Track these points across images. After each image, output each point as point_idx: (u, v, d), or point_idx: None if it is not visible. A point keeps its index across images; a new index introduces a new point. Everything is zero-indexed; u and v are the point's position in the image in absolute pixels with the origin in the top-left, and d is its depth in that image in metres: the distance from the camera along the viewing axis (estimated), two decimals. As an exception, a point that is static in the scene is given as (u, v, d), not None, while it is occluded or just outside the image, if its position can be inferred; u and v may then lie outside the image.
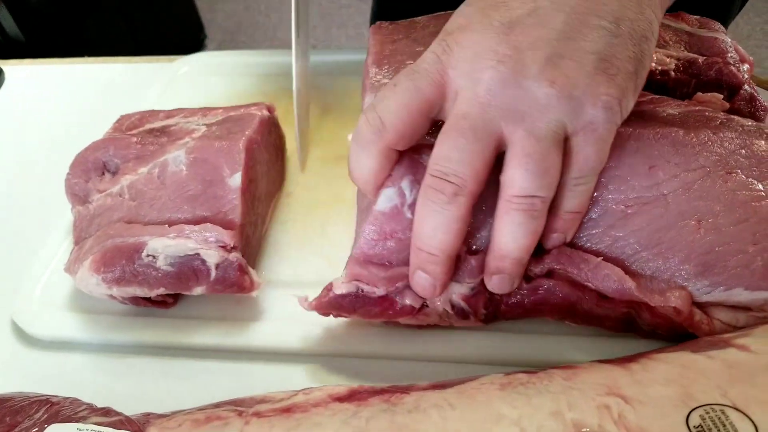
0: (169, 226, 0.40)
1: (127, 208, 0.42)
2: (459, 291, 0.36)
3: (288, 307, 0.41)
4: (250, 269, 0.41)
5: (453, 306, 0.36)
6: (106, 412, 0.33)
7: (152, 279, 0.39)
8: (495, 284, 0.34)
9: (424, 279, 0.34)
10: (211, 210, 0.41)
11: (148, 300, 0.42)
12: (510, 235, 0.32)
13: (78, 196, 0.45)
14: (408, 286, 0.35)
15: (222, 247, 0.39)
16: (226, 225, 0.40)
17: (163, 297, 0.42)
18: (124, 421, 0.32)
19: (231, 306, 0.43)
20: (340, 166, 0.52)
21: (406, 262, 0.35)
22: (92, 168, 0.45)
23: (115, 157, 0.45)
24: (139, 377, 0.40)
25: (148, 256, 0.39)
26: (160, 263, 0.39)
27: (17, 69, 0.73)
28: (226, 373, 0.40)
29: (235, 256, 0.39)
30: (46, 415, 0.32)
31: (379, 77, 0.50)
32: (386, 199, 0.35)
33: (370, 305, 0.36)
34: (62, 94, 0.68)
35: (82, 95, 0.67)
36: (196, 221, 0.40)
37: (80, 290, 0.44)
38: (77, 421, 0.31)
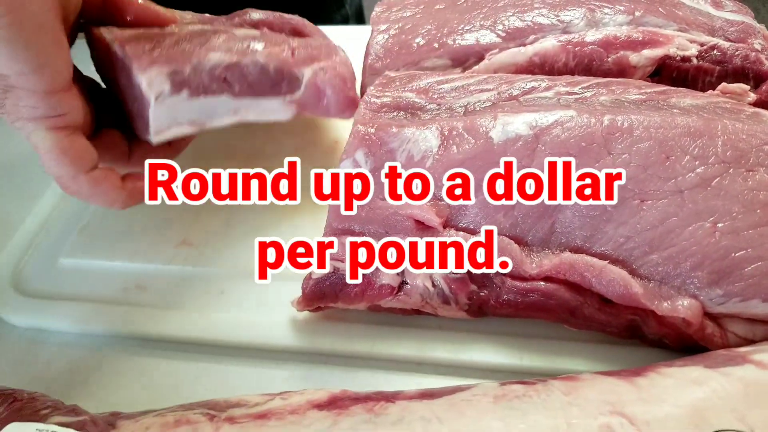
0: None
1: None
2: (440, 270, 0.35)
3: (274, 301, 0.39)
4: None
5: (434, 284, 0.35)
6: (71, 410, 0.31)
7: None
8: None
9: None
10: None
11: None
12: None
13: None
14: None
15: None
16: None
17: None
18: (88, 421, 0.29)
19: (213, 297, 0.41)
20: (334, 151, 0.49)
21: (375, 234, 0.36)
22: None
23: None
24: (115, 370, 0.38)
25: None
26: None
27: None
28: (205, 370, 0.38)
29: None
30: (6, 413, 0.30)
31: (379, 63, 0.47)
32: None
33: (349, 286, 0.36)
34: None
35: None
36: None
37: (57, 278, 0.42)
38: (39, 420, 0.29)
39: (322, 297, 0.36)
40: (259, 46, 0.40)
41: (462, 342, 0.36)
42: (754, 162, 0.33)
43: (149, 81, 0.37)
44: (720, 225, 0.32)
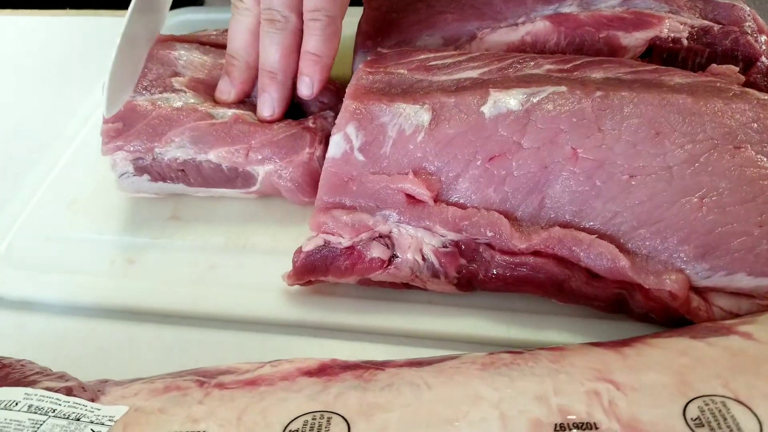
0: None
1: None
2: (431, 242, 0.35)
3: (263, 274, 0.39)
4: None
5: (424, 258, 0.35)
6: (60, 376, 0.31)
7: None
8: (260, 105, 0.42)
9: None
10: None
11: None
12: (263, 48, 0.42)
13: None
14: (373, 238, 0.36)
15: None
16: None
17: None
18: (77, 387, 0.29)
19: (203, 271, 0.41)
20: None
21: (366, 208, 0.36)
22: None
23: None
24: (104, 342, 0.38)
25: None
26: None
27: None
28: (195, 343, 0.38)
29: None
30: (-7, 378, 0.30)
31: (371, 40, 0.47)
32: (336, 146, 0.37)
33: (340, 259, 0.36)
34: (43, 46, 0.64)
35: (61, 47, 0.64)
36: None
37: (46, 251, 0.42)
38: (27, 385, 0.29)
39: (313, 270, 0.37)
40: (215, 142, 0.41)
41: (451, 315, 0.36)
42: (742, 139, 0.33)
43: (114, 163, 0.42)
44: (707, 200, 0.32)
